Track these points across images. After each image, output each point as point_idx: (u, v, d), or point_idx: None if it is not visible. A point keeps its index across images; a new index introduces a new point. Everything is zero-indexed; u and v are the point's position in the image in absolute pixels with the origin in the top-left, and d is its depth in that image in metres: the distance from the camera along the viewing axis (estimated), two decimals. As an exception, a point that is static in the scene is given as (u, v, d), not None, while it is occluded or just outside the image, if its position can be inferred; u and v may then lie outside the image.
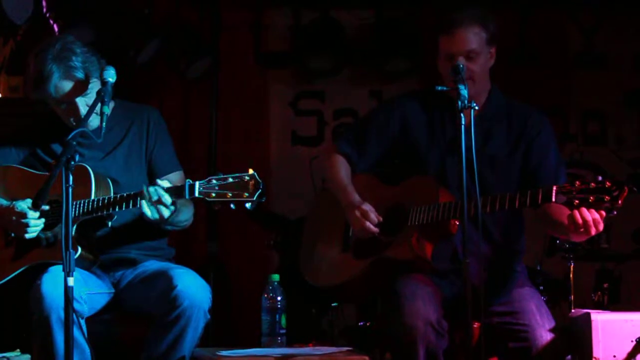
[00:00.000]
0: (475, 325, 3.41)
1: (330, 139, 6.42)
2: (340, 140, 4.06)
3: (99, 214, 3.61)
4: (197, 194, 3.43)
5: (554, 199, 3.37)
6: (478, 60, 3.73)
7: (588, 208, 3.33)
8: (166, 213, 3.53)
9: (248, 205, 3.38)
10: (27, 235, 3.65)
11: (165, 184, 3.54)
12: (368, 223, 3.74)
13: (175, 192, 3.51)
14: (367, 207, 3.77)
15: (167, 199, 3.51)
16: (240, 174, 3.40)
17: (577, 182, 3.33)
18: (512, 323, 3.59)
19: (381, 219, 3.77)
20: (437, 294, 3.66)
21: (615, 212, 3.32)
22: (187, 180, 3.47)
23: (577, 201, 3.32)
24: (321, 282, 4.01)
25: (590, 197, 3.29)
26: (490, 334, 3.51)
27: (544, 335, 3.53)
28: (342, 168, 3.99)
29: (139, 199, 3.52)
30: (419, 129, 3.88)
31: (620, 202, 3.26)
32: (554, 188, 3.37)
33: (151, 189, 3.51)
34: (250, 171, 3.39)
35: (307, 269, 4.07)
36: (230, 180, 3.40)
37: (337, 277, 3.93)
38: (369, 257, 3.81)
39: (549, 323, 3.57)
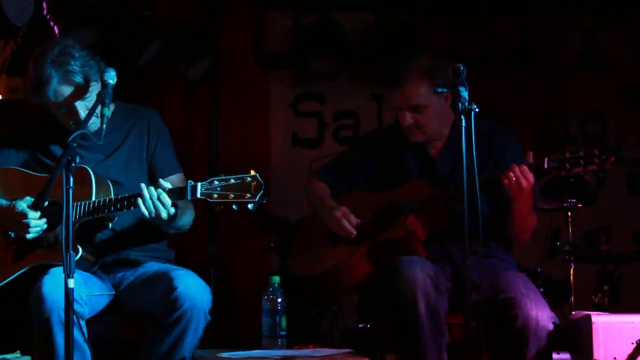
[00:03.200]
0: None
1: (330, 140, 6.42)
2: (321, 174, 4.23)
3: (100, 215, 3.61)
4: (199, 195, 3.43)
5: (546, 166, 3.52)
6: (426, 112, 3.83)
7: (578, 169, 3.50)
8: (164, 214, 3.53)
9: (250, 206, 3.39)
10: (28, 236, 3.64)
11: (167, 184, 3.55)
12: (346, 222, 3.88)
13: (178, 193, 3.51)
14: (345, 209, 3.92)
15: (167, 199, 3.51)
16: (242, 175, 3.40)
17: (568, 153, 3.49)
18: (500, 300, 3.62)
19: (359, 220, 3.89)
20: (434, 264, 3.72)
21: (602, 174, 3.44)
22: (189, 181, 3.48)
23: (568, 165, 3.49)
24: (307, 271, 4.04)
25: (581, 160, 3.47)
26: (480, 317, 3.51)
27: (529, 304, 3.54)
28: (322, 189, 4.17)
29: (138, 199, 3.53)
30: (388, 164, 4.00)
31: (608, 165, 3.43)
32: (546, 159, 3.52)
33: (151, 189, 3.52)
34: (252, 172, 3.40)
35: (293, 262, 4.16)
36: (232, 181, 3.40)
37: (325, 264, 3.96)
38: (362, 244, 3.86)
39: (536, 296, 3.59)
